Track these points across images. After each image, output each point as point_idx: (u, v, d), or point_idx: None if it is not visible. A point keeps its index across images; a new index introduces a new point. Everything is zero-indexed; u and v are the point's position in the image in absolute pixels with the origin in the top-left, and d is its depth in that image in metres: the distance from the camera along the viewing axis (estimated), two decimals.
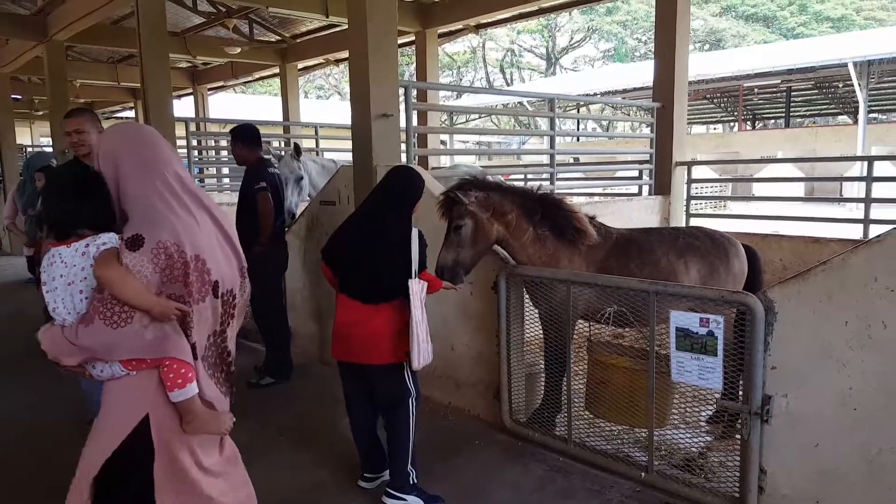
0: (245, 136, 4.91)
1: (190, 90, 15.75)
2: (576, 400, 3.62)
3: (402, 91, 4.87)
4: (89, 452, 1.98)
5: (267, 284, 4.87)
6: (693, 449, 3.47)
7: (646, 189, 6.73)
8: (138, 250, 1.90)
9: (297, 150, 6.37)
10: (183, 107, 16.89)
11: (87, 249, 1.93)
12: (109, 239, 1.96)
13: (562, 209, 3.66)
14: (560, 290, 3.55)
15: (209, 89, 15.88)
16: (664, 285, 3.10)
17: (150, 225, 1.95)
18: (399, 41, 10.98)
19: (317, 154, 9.12)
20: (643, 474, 3.27)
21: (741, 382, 2.92)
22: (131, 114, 19.57)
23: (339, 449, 3.79)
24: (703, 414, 3.70)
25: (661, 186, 6.55)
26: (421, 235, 3.18)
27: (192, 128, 8.83)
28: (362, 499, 3.30)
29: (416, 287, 3.03)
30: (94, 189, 2.02)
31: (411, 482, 3.15)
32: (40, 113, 19.40)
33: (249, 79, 15.31)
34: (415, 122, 5.06)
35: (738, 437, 2.97)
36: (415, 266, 3.06)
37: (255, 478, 2.32)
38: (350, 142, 5.00)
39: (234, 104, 22.46)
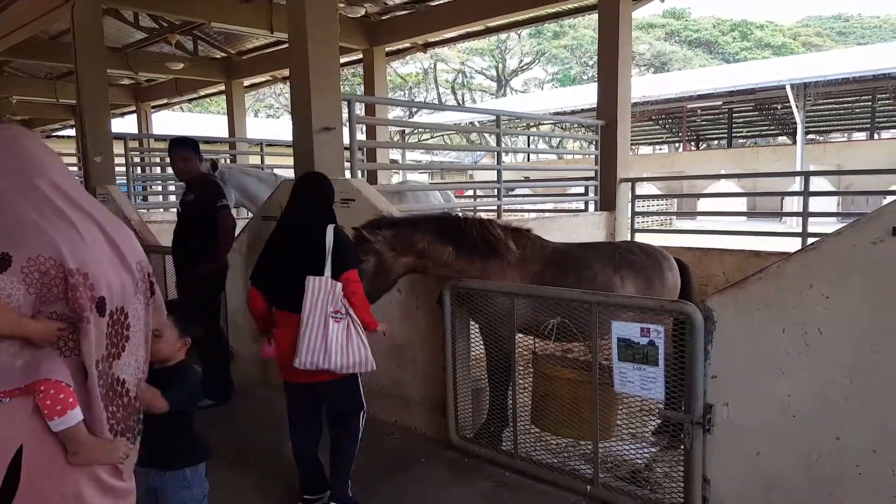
0: (196, 146, 4.75)
1: (133, 108, 15.33)
2: (523, 414, 3.57)
3: (346, 106, 4.80)
4: None
5: (206, 301, 4.75)
6: (639, 461, 3.45)
7: (592, 205, 6.79)
8: (5, 271, 1.67)
9: (214, 166, 6.23)
10: (126, 125, 16.45)
11: None
12: None
13: (474, 225, 3.69)
14: (502, 302, 3.51)
15: (153, 107, 15.48)
16: (605, 296, 3.09)
17: (19, 240, 1.72)
18: (346, 59, 11.00)
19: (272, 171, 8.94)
20: (588, 487, 3.23)
21: (683, 392, 2.91)
22: (72, 132, 18.97)
23: (282, 470, 3.63)
24: (649, 426, 3.70)
25: (606, 203, 6.62)
26: (338, 231, 3.12)
27: (135, 144, 8.56)
28: None
29: (314, 283, 2.95)
30: None
31: (350, 495, 3.16)
32: None
33: (194, 96, 15.01)
34: (363, 136, 5.00)
35: (682, 447, 2.96)
36: (328, 262, 3.00)
37: None
38: None
39: (179, 122, 21.98)
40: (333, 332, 2.95)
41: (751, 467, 2.75)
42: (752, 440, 2.73)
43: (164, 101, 15.14)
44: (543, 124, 15.01)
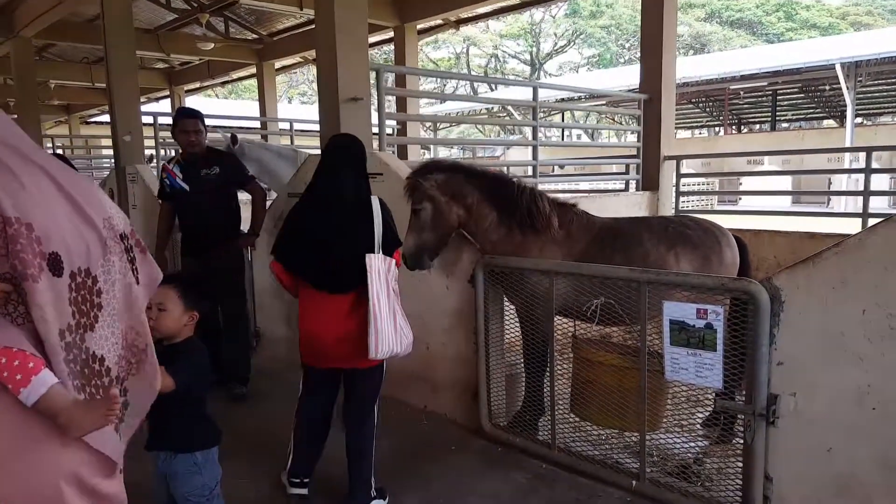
0: (203, 118, 4.46)
1: (167, 91, 15.37)
2: (561, 402, 3.32)
3: (374, 76, 4.57)
4: None
5: (236, 283, 4.57)
6: (688, 454, 3.18)
7: (633, 184, 6.46)
8: None
9: (234, 140, 6.05)
10: (160, 109, 16.51)
11: None
12: None
13: (524, 194, 3.41)
14: (539, 281, 3.25)
15: (186, 90, 15.51)
16: (656, 273, 2.80)
17: None
18: (377, 38, 10.77)
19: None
20: (634, 482, 2.96)
21: (742, 381, 2.63)
22: (107, 118, 19.20)
23: None
24: (698, 416, 3.41)
25: (649, 181, 6.28)
26: (383, 204, 2.86)
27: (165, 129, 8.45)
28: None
29: (376, 262, 2.70)
30: None
31: (372, 491, 2.94)
32: (15, 116, 18.93)
33: (227, 79, 14.96)
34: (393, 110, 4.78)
35: (738, 441, 2.68)
36: (378, 238, 2.76)
37: None
38: None
39: (212, 106, 22.04)
40: (400, 315, 2.76)
41: (820, 465, 2.45)
42: (823, 435, 2.43)
43: (197, 84, 15.15)
44: (583, 100, 14.51)
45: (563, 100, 14.47)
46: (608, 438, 3.39)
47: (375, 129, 4.70)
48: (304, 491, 2.98)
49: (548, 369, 3.33)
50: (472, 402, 3.70)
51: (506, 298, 3.57)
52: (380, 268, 2.70)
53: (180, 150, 4.50)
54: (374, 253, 2.72)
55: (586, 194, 6.62)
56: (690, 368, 2.67)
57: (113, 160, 7.76)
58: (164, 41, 11.27)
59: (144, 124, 7.44)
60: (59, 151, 12.94)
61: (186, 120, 4.35)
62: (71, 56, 13.76)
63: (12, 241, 1.47)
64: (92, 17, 10.37)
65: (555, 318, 3.25)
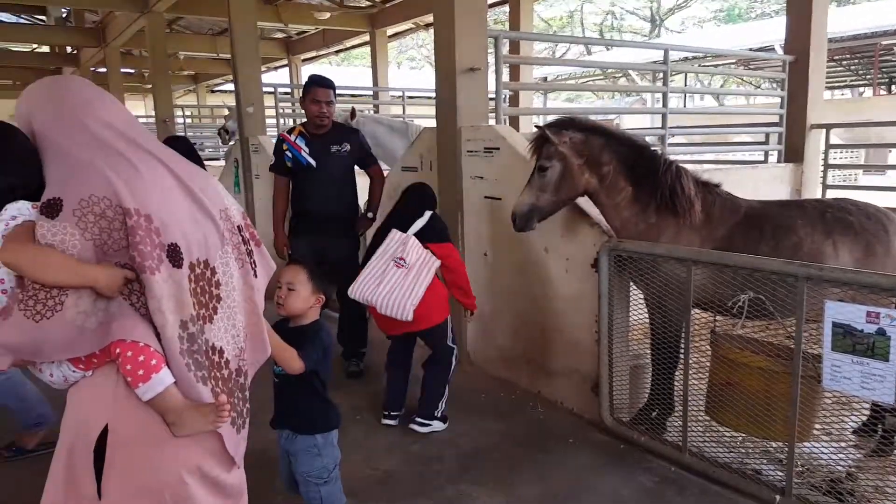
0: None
1: (285, 61, 15.79)
2: (694, 401, 3.04)
3: (491, 43, 4.34)
4: (54, 468, 1.58)
5: (353, 265, 4.31)
6: (838, 467, 2.83)
7: (773, 156, 5.87)
8: (57, 216, 1.46)
9: (353, 114, 5.97)
10: (279, 77, 17.01)
11: None
12: (19, 211, 1.53)
13: (669, 171, 3.06)
14: (674, 270, 2.95)
15: (303, 60, 15.85)
16: (819, 269, 2.44)
17: (71, 181, 1.50)
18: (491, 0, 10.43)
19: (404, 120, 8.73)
20: (778, 497, 2.66)
21: None
22: (230, 86, 20.09)
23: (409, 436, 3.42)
24: (849, 422, 3.02)
25: (793, 152, 5.66)
26: (436, 214, 3.57)
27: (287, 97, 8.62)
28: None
29: (395, 235, 3.36)
30: (10, 152, 1.58)
31: (437, 414, 3.47)
32: (149, 86, 20.19)
33: (340, 47, 15.12)
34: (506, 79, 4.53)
35: None
36: (415, 224, 3.42)
37: None
38: None
39: (326, 74, 22.48)
40: (389, 275, 3.24)
41: None
42: None
43: (313, 53, 15.42)
44: (708, 59, 13.39)
45: (686, 59, 13.44)
46: (743, 442, 3.09)
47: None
48: (394, 422, 3.52)
49: (680, 365, 3.06)
50: (591, 393, 3.49)
51: (633, 285, 3.30)
52: (394, 239, 3.35)
53: (305, 121, 4.21)
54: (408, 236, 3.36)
55: (718, 166, 6.06)
56: (855, 378, 2.33)
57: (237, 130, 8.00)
58: (282, 11, 11.49)
59: (266, 93, 7.61)
60: (188, 120, 13.67)
61: (319, 89, 4.01)
62: (198, 28, 14.40)
63: (132, 233, 1.49)
64: None
65: (692, 311, 2.96)
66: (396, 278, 3.24)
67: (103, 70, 13.73)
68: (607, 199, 3.17)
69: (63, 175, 1.54)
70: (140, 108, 23.54)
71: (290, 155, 4.10)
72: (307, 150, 4.07)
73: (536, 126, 3.30)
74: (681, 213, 3.02)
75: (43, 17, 13.72)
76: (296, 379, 2.28)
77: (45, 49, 16.65)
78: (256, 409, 2.50)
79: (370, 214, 4.35)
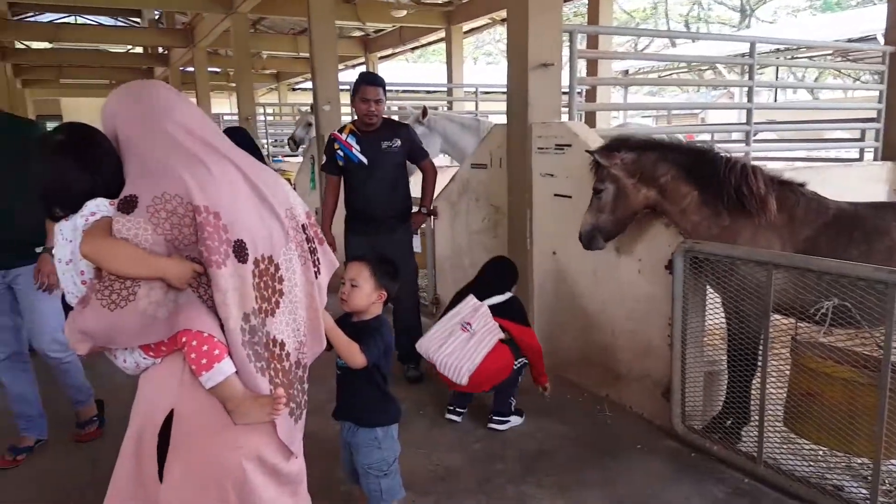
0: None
1: (362, 59, 16.05)
2: (771, 410, 2.89)
3: (566, 38, 4.26)
4: (125, 449, 1.69)
5: (409, 265, 4.25)
6: None
7: (870, 153, 5.50)
8: (132, 212, 1.56)
9: (424, 113, 5.96)
10: (355, 76, 17.28)
11: (76, 222, 1.64)
12: (98, 207, 1.64)
13: (733, 170, 2.94)
14: (753, 273, 2.81)
15: (379, 57, 16.07)
16: None
17: (146, 180, 1.60)
18: None
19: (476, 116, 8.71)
20: None
21: None
22: (310, 84, 20.64)
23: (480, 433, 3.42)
24: None
25: (892, 150, 5.27)
26: (516, 298, 3.70)
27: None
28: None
29: (470, 300, 3.51)
30: (83, 151, 1.68)
31: (511, 409, 3.53)
32: (233, 84, 21.00)
33: (416, 44, 15.23)
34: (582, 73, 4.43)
35: None
36: (491, 300, 3.55)
37: None
38: None
39: (402, 71, 22.72)
40: (454, 337, 3.37)
41: None
42: None
43: (390, 50, 15.62)
44: (808, 53, 12.64)
45: (778, 51, 12.75)
46: (824, 456, 2.91)
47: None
48: (458, 418, 3.58)
49: (757, 373, 2.91)
50: (661, 399, 3.37)
51: (709, 289, 3.17)
52: (467, 305, 3.51)
53: (355, 119, 4.11)
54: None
55: (809, 164, 5.72)
56: None
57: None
58: (360, 9, 11.68)
59: (342, 90, 7.75)
60: (269, 118, 14.11)
61: (368, 87, 3.95)
62: (280, 28, 14.86)
63: (201, 229, 1.57)
64: None
65: (771, 316, 2.81)
66: (459, 342, 3.35)
67: (191, 69, 14.36)
68: (672, 207, 3.11)
69: (140, 173, 1.64)
70: (225, 105, 24.58)
71: (341, 154, 4.06)
72: (358, 147, 4.02)
73: (588, 151, 3.28)
74: (753, 213, 2.88)
75: (138, 20, 14.54)
76: (357, 373, 2.33)
77: (139, 50, 17.60)
78: (325, 399, 2.57)
79: (424, 210, 4.35)
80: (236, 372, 1.62)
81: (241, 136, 3.81)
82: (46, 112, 17.57)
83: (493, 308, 3.48)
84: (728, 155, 3.08)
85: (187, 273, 1.58)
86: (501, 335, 3.41)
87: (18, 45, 15.21)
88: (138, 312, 1.54)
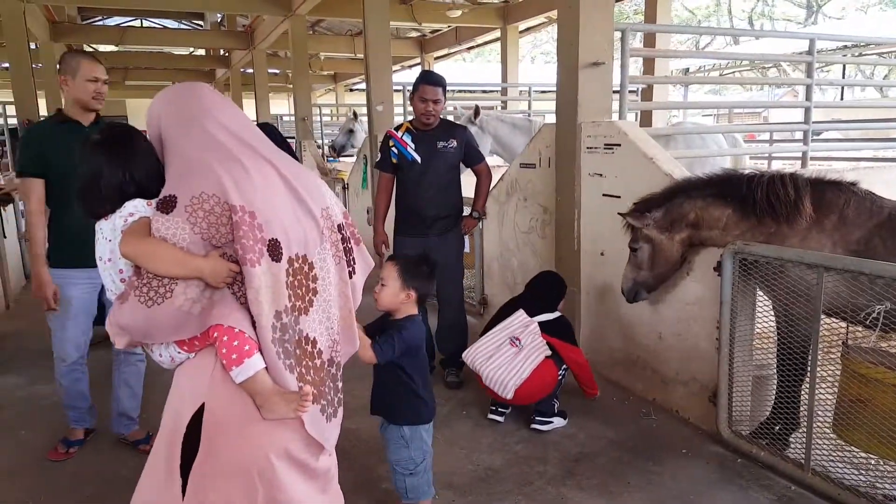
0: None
1: (418, 59, 16.20)
2: (820, 415, 2.82)
3: (618, 37, 4.23)
4: (158, 440, 1.75)
5: (456, 269, 4.22)
6: None
7: None
8: (171, 212, 1.61)
9: (477, 113, 5.97)
10: (411, 77, 17.46)
11: (115, 223, 1.70)
12: (136, 208, 1.70)
13: (760, 185, 2.94)
14: (802, 275, 2.75)
15: (435, 58, 16.19)
16: None
17: (185, 179, 1.64)
18: None
19: (528, 116, 8.69)
20: None
21: None
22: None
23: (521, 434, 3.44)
24: None
25: None
26: (565, 320, 3.67)
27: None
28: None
29: (520, 316, 3.54)
30: (117, 149, 1.74)
31: (554, 411, 3.53)
32: (290, 85, 21.48)
33: (472, 44, 15.28)
34: (637, 72, 4.38)
35: None
36: (542, 316, 3.57)
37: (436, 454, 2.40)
38: None
39: (458, 71, 22.79)
40: (502, 351, 3.41)
41: None
42: None
43: (446, 51, 15.71)
44: (877, 50, 12.09)
45: (844, 47, 12.21)
46: (875, 465, 2.82)
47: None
48: (500, 418, 3.59)
49: (807, 377, 2.85)
50: (709, 403, 3.32)
51: (760, 292, 3.11)
52: (517, 320, 3.54)
53: (412, 118, 4.10)
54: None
55: (871, 164, 5.50)
56: None
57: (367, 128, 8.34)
58: (416, 10, 11.80)
59: (395, 90, 7.85)
60: (326, 118, 14.36)
61: (428, 87, 3.89)
62: (338, 29, 15.15)
63: (236, 228, 1.61)
64: None
65: (821, 320, 2.74)
66: (507, 356, 3.39)
67: (251, 71, 14.80)
68: (711, 232, 3.13)
69: (179, 173, 1.69)
70: (284, 106, 25.19)
71: (395, 151, 4.03)
72: (413, 146, 3.99)
73: (620, 214, 3.38)
74: (788, 220, 2.87)
75: (200, 23, 15.06)
76: (384, 369, 2.38)
77: (201, 52, 18.22)
78: (369, 398, 2.62)
79: (475, 214, 4.28)
80: (266, 368, 1.66)
81: (269, 131, 3.91)
82: (113, 114, 18.42)
83: (541, 325, 3.51)
84: (754, 171, 3.09)
85: (224, 272, 1.62)
86: (548, 352, 3.43)
87: (87, 49, 15.98)
88: (174, 309, 1.60)
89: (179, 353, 1.70)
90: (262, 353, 1.65)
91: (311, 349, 1.76)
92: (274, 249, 1.66)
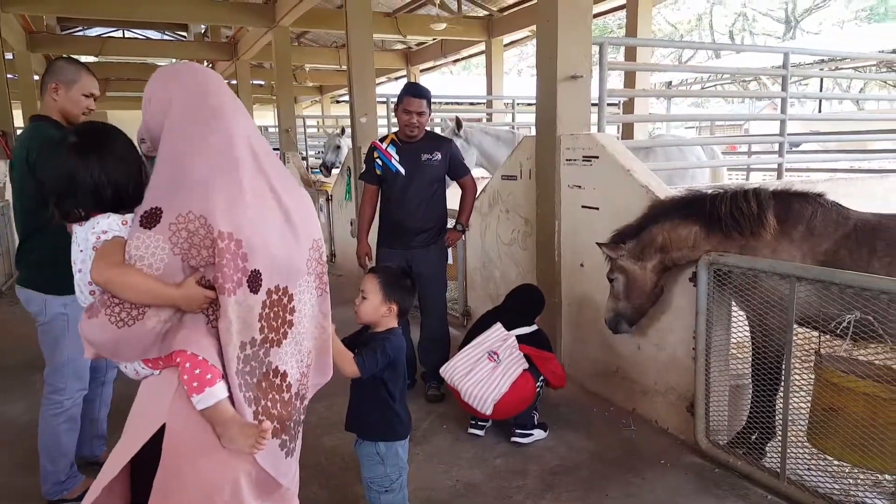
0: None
1: (403, 71, 16.27)
2: (796, 424, 2.85)
3: (597, 50, 4.28)
4: (115, 452, 1.67)
5: (438, 281, 4.19)
6: None
7: None
8: (154, 227, 1.52)
9: (459, 124, 6.00)
10: (396, 89, 17.50)
11: (88, 236, 1.62)
12: (110, 226, 1.61)
13: (723, 202, 3.00)
14: (775, 286, 2.79)
15: (421, 70, 16.26)
16: None
17: (176, 192, 1.54)
18: (607, 6, 10.22)
19: (512, 128, 8.74)
20: None
21: None
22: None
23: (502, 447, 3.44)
24: None
25: None
26: (540, 332, 3.70)
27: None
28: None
29: (498, 330, 3.55)
30: (89, 147, 1.64)
31: (534, 423, 3.54)
32: (274, 97, 21.46)
33: (457, 57, 15.38)
34: (618, 85, 4.43)
35: None
36: (520, 329, 3.59)
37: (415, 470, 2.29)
38: None
39: (443, 83, 22.89)
40: (480, 366, 3.40)
41: None
42: None
43: (431, 63, 15.79)
44: (844, 61, 12.33)
45: (822, 61, 12.40)
46: (849, 473, 2.85)
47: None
48: (481, 432, 3.59)
49: (781, 387, 2.88)
50: (687, 413, 3.35)
51: (734, 302, 3.14)
52: (494, 334, 3.56)
53: (397, 129, 4.08)
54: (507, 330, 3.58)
55: (845, 175, 5.60)
56: None
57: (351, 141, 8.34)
58: (401, 23, 11.87)
59: (379, 102, 7.86)
60: (311, 130, 14.35)
61: (412, 99, 3.88)
62: (324, 41, 15.18)
63: (219, 255, 1.55)
64: (341, 3, 11.26)
65: (795, 330, 2.78)
66: (485, 371, 3.38)
67: (234, 82, 14.79)
68: (681, 251, 3.15)
69: (173, 179, 1.58)
70: (269, 118, 25.17)
71: (380, 162, 4.02)
72: (397, 157, 3.98)
73: (598, 244, 3.45)
74: (753, 233, 2.92)
75: (184, 34, 15.02)
76: (364, 384, 2.33)
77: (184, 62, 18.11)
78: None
79: (459, 227, 4.23)
80: (229, 397, 1.61)
81: None
82: None
83: (518, 338, 3.52)
84: (718, 189, 3.15)
85: (199, 299, 1.58)
86: (526, 365, 3.43)
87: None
88: (145, 331, 1.55)
89: (144, 368, 1.66)
90: (226, 383, 1.61)
91: (280, 382, 1.71)
92: (254, 280, 1.60)
